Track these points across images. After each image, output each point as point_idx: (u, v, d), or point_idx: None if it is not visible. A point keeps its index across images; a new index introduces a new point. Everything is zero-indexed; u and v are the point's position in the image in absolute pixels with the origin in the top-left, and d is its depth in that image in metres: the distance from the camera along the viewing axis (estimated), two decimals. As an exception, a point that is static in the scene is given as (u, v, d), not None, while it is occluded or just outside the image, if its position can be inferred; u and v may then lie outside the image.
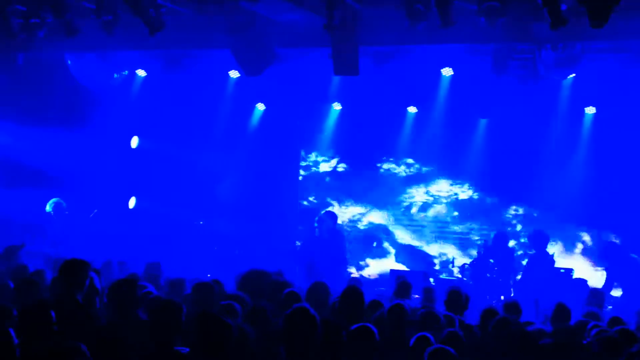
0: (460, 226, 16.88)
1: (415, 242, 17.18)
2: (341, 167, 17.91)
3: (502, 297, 13.87)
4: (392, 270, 14.56)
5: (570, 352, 6.97)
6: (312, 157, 18.07)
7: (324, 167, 18.02)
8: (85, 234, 14.73)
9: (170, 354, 5.87)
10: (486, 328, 7.74)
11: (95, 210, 15.80)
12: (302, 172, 18.09)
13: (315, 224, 15.35)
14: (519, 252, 15.28)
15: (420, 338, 6.62)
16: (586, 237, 15.93)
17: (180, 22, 12.33)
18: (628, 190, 15.37)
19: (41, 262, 11.37)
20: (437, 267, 14.67)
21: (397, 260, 16.88)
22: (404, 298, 9.17)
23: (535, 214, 16.30)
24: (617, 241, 13.65)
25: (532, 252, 14.39)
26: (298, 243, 17.02)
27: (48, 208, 14.16)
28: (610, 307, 11.83)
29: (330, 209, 16.81)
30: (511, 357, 6.85)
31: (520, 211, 16.52)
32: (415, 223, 17.28)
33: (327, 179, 18.01)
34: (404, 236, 17.32)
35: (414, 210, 17.30)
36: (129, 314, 6.90)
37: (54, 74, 14.51)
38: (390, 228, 17.43)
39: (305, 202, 17.96)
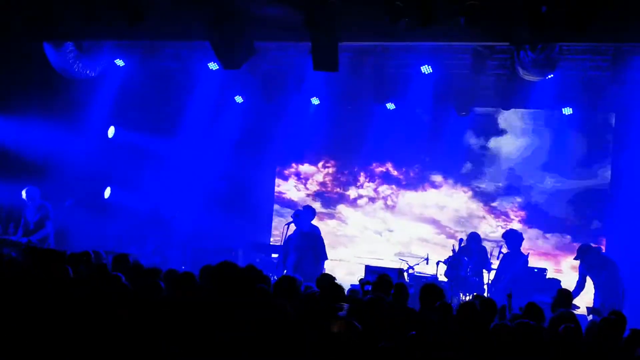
0: (441, 223, 16.96)
1: (392, 239, 17.25)
2: (326, 165, 17.96)
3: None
4: (367, 266, 14.58)
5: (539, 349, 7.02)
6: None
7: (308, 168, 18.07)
8: (59, 223, 14.65)
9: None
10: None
11: (72, 200, 15.72)
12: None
13: (292, 218, 15.34)
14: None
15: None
16: (564, 238, 16.07)
17: (160, 13, 12.26)
18: (607, 194, 15.48)
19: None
20: (412, 264, 14.67)
21: (373, 257, 16.92)
22: (384, 294, 9.18)
23: (515, 214, 16.42)
24: (590, 245, 13.70)
25: (507, 251, 14.45)
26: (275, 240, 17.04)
27: (23, 195, 14.06)
28: (579, 307, 11.91)
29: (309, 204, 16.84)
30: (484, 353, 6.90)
31: (500, 209, 16.63)
32: (392, 220, 17.35)
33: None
34: (380, 232, 17.39)
35: (391, 206, 17.37)
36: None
37: (32, 63, 14.39)
38: (367, 224, 17.49)
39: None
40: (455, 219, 16.86)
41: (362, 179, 17.64)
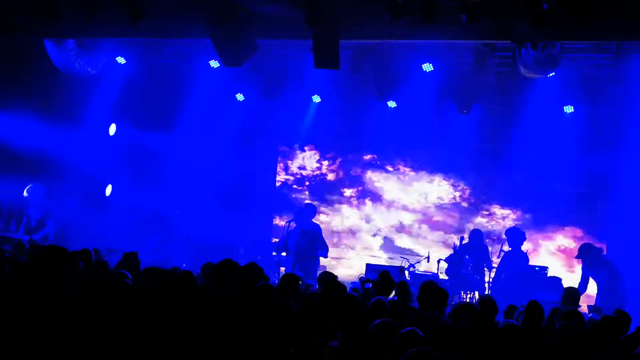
0: (441, 221, 16.95)
1: (393, 239, 17.23)
2: (323, 161, 17.95)
3: (477, 293, 13.98)
4: (368, 265, 14.59)
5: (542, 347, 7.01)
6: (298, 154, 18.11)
7: (309, 164, 18.05)
8: (61, 220, 14.64)
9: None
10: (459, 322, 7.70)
11: (72, 197, 15.73)
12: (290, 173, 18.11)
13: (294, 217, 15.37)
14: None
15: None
16: (565, 237, 16.05)
17: (161, 11, 12.25)
18: (608, 191, 15.45)
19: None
20: (413, 262, 14.69)
21: (376, 255, 16.94)
22: (386, 293, 9.18)
23: (515, 213, 16.40)
24: (593, 245, 13.69)
25: (508, 249, 14.44)
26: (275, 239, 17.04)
27: (25, 193, 14.04)
28: (582, 305, 11.89)
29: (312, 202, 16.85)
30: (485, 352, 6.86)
31: (500, 209, 16.61)
32: (395, 219, 17.34)
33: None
34: (383, 232, 17.37)
35: (392, 202, 17.36)
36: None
37: (33, 60, 14.38)
38: (371, 224, 17.48)
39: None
40: (448, 213, 16.87)
41: (360, 173, 17.65)
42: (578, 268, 14.79)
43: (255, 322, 5.95)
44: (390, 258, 16.75)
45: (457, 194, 16.95)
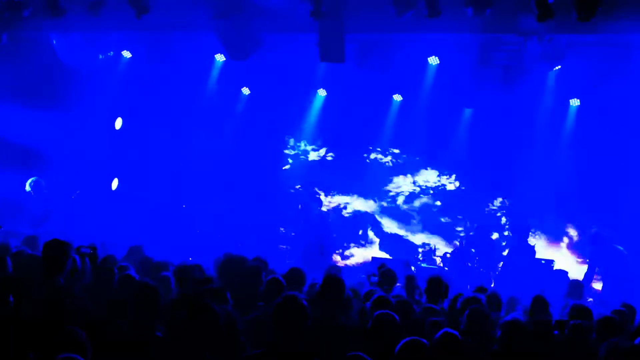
0: (446, 217, 16.93)
1: (400, 232, 17.22)
2: (329, 156, 17.91)
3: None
4: (374, 258, 14.60)
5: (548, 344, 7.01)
6: (300, 145, 18.04)
7: (311, 155, 18.01)
8: (66, 214, 14.67)
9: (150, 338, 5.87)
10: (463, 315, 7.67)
11: (78, 191, 15.75)
12: (290, 160, 18.06)
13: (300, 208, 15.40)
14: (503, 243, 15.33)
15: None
16: (570, 229, 16.03)
17: (167, 5, 12.25)
18: (612, 183, 15.42)
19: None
20: (419, 256, 14.69)
21: (381, 249, 16.93)
22: (388, 287, 9.19)
23: (519, 206, 16.38)
24: (603, 232, 13.62)
25: (514, 242, 14.44)
26: (282, 229, 17.05)
27: (27, 187, 14.07)
28: (590, 299, 11.90)
29: (317, 192, 16.84)
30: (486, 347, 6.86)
31: (505, 202, 16.59)
32: (400, 212, 17.32)
33: (312, 166, 18.02)
34: (389, 225, 17.36)
35: (399, 199, 17.34)
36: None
37: (39, 54, 14.40)
38: (376, 217, 17.47)
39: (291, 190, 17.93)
40: (447, 207, 16.89)
41: (363, 165, 17.66)
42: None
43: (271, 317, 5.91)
44: (383, 245, 16.74)
45: (457, 183, 16.96)
